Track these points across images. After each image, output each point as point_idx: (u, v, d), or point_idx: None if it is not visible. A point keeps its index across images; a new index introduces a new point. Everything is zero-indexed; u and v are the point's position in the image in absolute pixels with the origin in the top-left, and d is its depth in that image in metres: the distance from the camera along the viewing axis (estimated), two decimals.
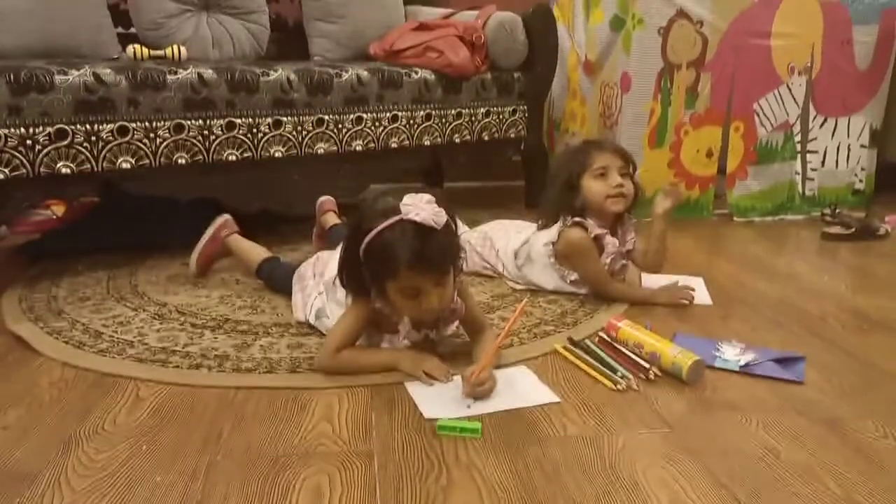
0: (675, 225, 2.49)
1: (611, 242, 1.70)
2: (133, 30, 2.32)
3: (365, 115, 2.25)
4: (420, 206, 1.21)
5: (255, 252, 1.81)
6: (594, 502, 0.94)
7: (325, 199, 2.00)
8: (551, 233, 1.72)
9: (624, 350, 1.40)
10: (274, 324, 1.57)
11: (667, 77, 2.55)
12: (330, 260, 1.56)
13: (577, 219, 1.68)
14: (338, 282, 1.35)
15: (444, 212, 1.23)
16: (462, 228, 1.70)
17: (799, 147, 2.74)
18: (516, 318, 1.32)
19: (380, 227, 1.21)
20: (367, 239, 1.23)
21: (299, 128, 2.13)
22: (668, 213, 1.73)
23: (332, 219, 1.94)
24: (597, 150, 1.70)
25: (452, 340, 1.45)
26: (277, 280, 1.73)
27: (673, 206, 1.73)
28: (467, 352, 1.39)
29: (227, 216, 1.88)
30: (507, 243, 1.85)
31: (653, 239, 1.74)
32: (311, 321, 1.51)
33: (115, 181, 1.90)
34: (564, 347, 1.43)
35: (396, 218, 1.21)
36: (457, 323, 1.39)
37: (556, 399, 1.23)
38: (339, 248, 1.59)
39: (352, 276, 1.30)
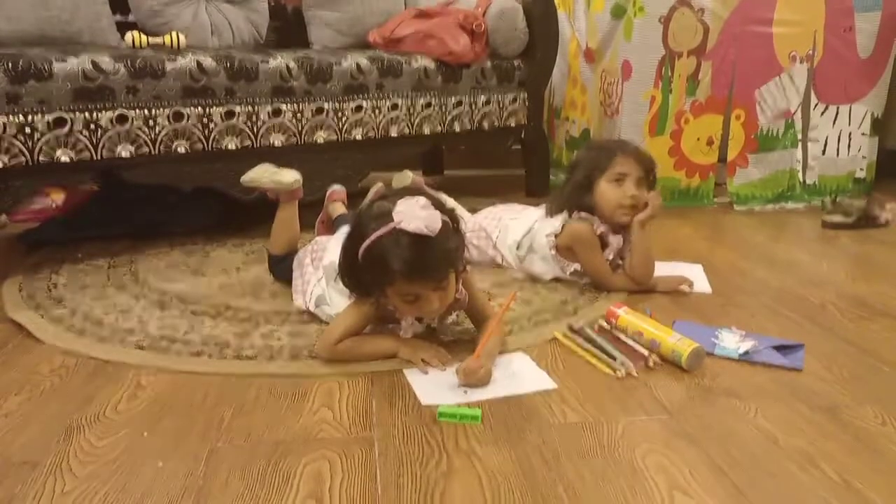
0: (676, 213, 2.50)
1: (615, 240, 1.69)
2: (132, 17, 2.31)
3: (365, 104, 2.25)
4: (413, 214, 1.18)
5: (283, 237, 1.73)
6: (593, 488, 0.94)
7: (336, 189, 1.98)
8: (554, 225, 1.72)
9: (623, 337, 1.40)
10: (274, 311, 1.57)
11: (668, 65, 2.55)
12: (328, 244, 1.55)
13: (584, 214, 1.68)
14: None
15: (439, 216, 1.20)
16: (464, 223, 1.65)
17: (800, 135, 2.73)
18: (505, 309, 1.32)
19: (374, 236, 1.20)
20: (362, 246, 1.22)
21: (299, 116, 2.12)
22: (644, 223, 1.65)
23: (339, 208, 1.93)
24: (621, 154, 1.66)
25: (454, 328, 1.45)
26: (282, 272, 1.71)
27: (650, 217, 1.65)
28: (469, 339, 1.39)
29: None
30: (505, 234, 1.85)
31: (634, 251, 1.67)
32: (311, 309, 1.51)
33: (114, 169, 1.90)
34: (564, 335, 1.43)
35: (390, 226, 1.18)
36: (459, 312, 1.40)
37: (554, 385, 1.23)
38: (337, 234, 1.59)
39: (352, 278, 1.30)
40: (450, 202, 1.30)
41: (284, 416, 1.13)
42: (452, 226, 1.26)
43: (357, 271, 1.26)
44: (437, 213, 1.21)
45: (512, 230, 1.83)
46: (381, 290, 1.26)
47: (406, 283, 1.21)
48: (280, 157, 2.11)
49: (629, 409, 1.16)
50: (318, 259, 1.55)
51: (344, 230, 1.50)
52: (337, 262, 1.34)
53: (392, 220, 1.19)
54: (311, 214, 1.97)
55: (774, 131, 2.69)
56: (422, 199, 1.22)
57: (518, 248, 1.79)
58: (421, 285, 1.22)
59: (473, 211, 2.06)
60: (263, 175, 1.71)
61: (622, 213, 1.66)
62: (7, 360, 1.34)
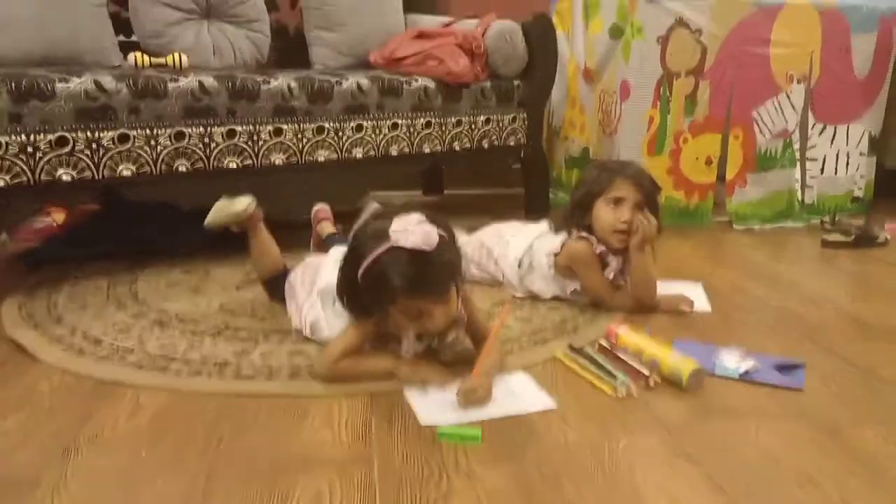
0: (675, 232, 2.50)
1: (614, 260, 1.69)
2: (134, 38, 2.33)
3: (365, 123, 2.26)
4: (410, 230, 1.19)
5: (265, 262, 1.73)
6: None
7: (320, 209, 1.99)
8: (554, 243, 1.72)
9: (624, 357, 1.40)
10: (274, 330, 1.57)
11: (666, 85, 2.56)
12: (320, 266, 1.55)
13: (583, 234, 1.68)
14: (335, 291, 1.34)
15: (435, 231, 1.21)
16: (461, 239, 1.66)
17: (798, 155, 2.75)
18: (500, 325, 1.32)
19: (372, 256, 1.20)
20: (361, 268, 1.22)
21: (300, 135, 2.13)
22: (639, 246, 1.64)
23: (327, 228, 1.93)
24: (620, 178, 1.65)
25: (454, 348, 1.45)
26: (279, 292, 1.71)
27: (643, 242, 1.64)
28: (469, 359, 1.39)
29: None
30: (506, 250, 1.85)
31: (633, 274, 1.68)
32: (307, 334, 1.51)
33: (115, 188, 1.90)
34: (564, 354, 1.43)
35: (387, 245, 1.19)
36: (458, 331, 1.39)
37: (554, 405, 1.23)
38: (328, 254, 1.58)
39: (352, 299, 1.30)
40: None
41: (283, 435, 1.13)
42: (449, 239, 1.26)
43: (357, 293, 1.26)
44: (433, 227, 1.21)
45: (513, 247, 1.83)
46: (384, 309, 1.26)
47: (409, 300, 1.21)
48: (281, 175, 2.13)
49: (629, 429, 1.16)
50: (309, 283, 1.55)
51: (335, 251, 1.50)
52: (333, 284, 1.34)
53: (389, 238, 1.19)
54: (305, 233, 1.99)
55: (772, 151, 2.70)
56: (416, 216, 1.22)
57: (519, 266, 1.80)
58: (423, 301, 1.23)
59: (472, 231, 2.06)
60: (219, 213, 1.69)
61: (616, 237, 1.66)
62: (6, 379, 1.34)
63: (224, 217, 1.68)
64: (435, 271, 1.20)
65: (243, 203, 1.67)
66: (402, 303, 1.22)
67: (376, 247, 1.20)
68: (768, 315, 1.72)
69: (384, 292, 1.21)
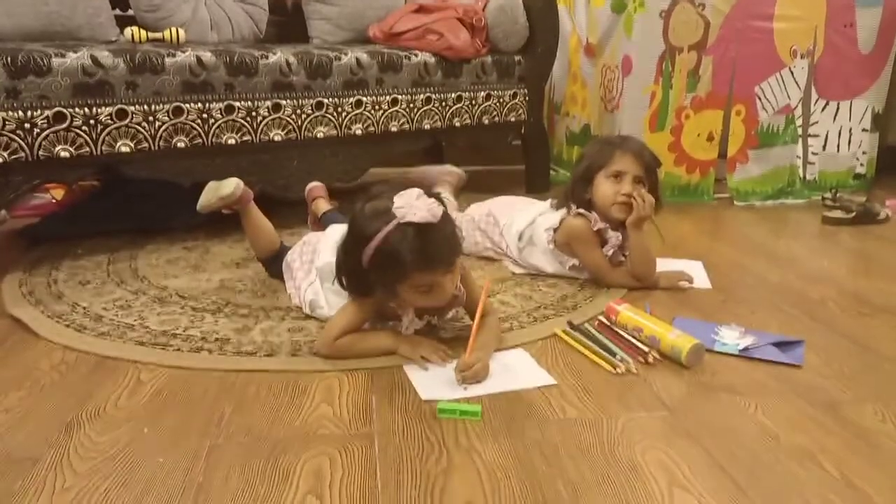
0: (676, 209, 2.49)
1: (614, 236, 1.68)
2: (131, 12, 2.30)
3: (364, 99, 2.24)
4: (414, 205, 1.18)
5: (261, 241, 1.74)
6: (593, 484, 0.95)
7: (314, 186, 1.98)
8: (554, 219, 1.72)
9: (623, 334, 1.40)
10: (274, 307, 1.57)
11: (668, 60, 2.54)
12: (318, 244, 1.55)
13: (581, 210, 1.68)
14: (334, 269, 1.34)
15: (436, 202, 1.21)
16: (454, 213, 1.64)
17: (800, 131, 2.73)
18: (485, 299, 1.32)
19: (381, 235, 1.18)
20: (368, 249, 1.20)
21: (298, 111, 2.12)
22: (636, 224, 1.64)
23: (323, 205, 1.93)
24: (620, 151, 1.66)
25: (454, 325, 1.45)
26: (278, 270, 1.71)
27: (640, 219, 1.63)
28: (469, 336, 1.39)
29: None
30: (511, 222, 1.84)
31: (632, 251, 1.67)
32: (307, 311, 1.51)
33: (114, 165, 1.89)
34: (564, 331, 1.43)
35: (394, 223, 1.18)
36: (458, 308, 1.40)
37: (554, 381, 1.23)
38: (326, 233, 1.58)
39: (352, 280, 1.29)
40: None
41: (284, 412, 1.13)
42: (445, 210, 1.26)
43: (361, 274, 1.25)
44: (433, 199, 1.22)
45: (517, 220, 1.83)
46: (392, 287, 1.26)
47: (420, 274, 1.21)
48: (280, 152, 2.12)
49: (629, 406, 1.16)
50: (308, 261, 1.55)
51: (333, 230, 1.50)
52: (331, 263, 1.33)
53: (392, 216, 1.18)
54: (304, 210, 1.98)
55: (775, 127, 2.69)
56: (415, 190, 1.22)
57: (520, 238, 1.80)
58: (434, 272, 1.22)
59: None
60: (210, 197, 1.68)
61: (616, 209, 1.66)
62: (7, 355, 1.34)
63: (214, 200, 1.68)
64: (443, 242, 1.21)
65: (230, 185, 1.67)
66: (414, 277, 1.21)
67: (382, 226, 1.19)
68: (768, 292, 1.71)
69: (396, 270, 1.20)
